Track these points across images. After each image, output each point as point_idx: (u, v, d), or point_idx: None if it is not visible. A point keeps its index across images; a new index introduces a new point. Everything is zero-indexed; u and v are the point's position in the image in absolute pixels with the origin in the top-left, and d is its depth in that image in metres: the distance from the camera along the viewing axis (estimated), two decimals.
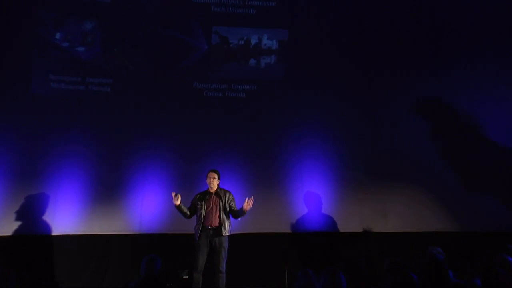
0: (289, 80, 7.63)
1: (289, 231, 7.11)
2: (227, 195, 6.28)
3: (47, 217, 6.72)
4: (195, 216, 6.25)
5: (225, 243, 6.10)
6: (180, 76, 7.48)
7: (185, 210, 6.17)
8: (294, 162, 7.37)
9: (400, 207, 7.30)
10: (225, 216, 6.15)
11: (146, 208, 6.99)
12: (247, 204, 6.12)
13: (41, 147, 6.92)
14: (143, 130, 7.23)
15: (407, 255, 6.34)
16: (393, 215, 7.27)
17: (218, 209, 6.15)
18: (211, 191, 6.23)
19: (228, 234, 6.13)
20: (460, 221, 7.26)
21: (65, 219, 6.74)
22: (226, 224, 6.13)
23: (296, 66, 7.66)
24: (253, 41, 7.67)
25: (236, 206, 6.30)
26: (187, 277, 6.32)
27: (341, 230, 7.12)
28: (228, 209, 6.22)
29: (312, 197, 7.23)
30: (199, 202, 6.17)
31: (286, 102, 7.55)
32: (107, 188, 6.96)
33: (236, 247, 6.45)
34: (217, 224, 6.11)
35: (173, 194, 6.08)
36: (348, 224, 7.17)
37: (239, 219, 6.38)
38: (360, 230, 7.13)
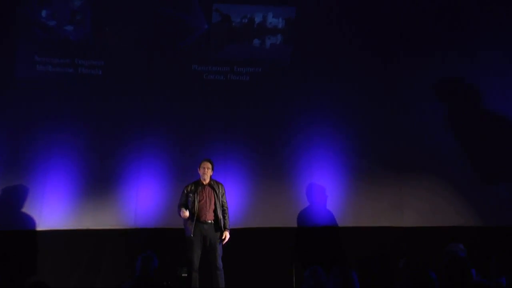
0: (297, 62, 7.58)
1: (296, 225, 7.05)
2: (220, 187, 6.24)
3: (34, 211, 6.67)
4: None
5: (220, 239, 6.08)
6: (178, 58, 7.43)
7: (187, 213, 6.03)
8: (302, 151, 7.32)
9: (417, 199, 7.24)
10: (219, 210, 6.10)
11: (142, 201, 6.94)
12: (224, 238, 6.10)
13: (26, 136, 6.87)
14: (137, 117, 7.19)
15: (425, 252, 6.29)
16: (410, 208, 7.21)
17: (212, 202, 6.10)
18: (204, 182, 6.17)
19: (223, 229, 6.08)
20: (482, 215, 7.17)
21: (54, 213, 6.70)
22: (221, 218, 6.08)
23: (304, 46, 7.60)
24: (257, 20, 7.60)
25: (226, 201, 6.25)
26: (186, 275, 6.29)
27: (353, 225, 7.06)
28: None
29: (322, 189, 7.17)
30: (190, 195, 6.10)
31: (293, 86, 7.49)
32: (99, 180, 6.93)
33: (239, 243, 6.42)
34: (211, 218, 6.06)
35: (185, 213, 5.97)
36: (361, 218, 7.10)
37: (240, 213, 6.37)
38: (373, 224, 7.05)
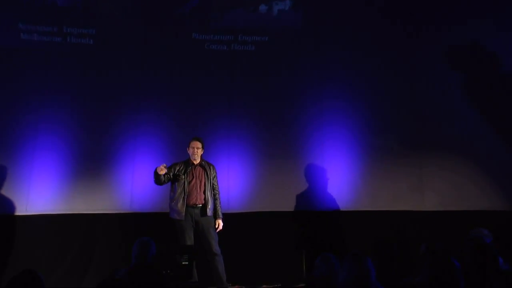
0: (307, 30, 7.55)
1: (307, 209, 7.06)
2: (212, 169, 6.28)
3: (20, 195, 6.68)
4: (171, 191, 6.22)
5: (213, 223, 6.13)
6: (177, 26, 7.42)
7: (163, 178, 6.08)
8: (313, 128, 7.32)
9: (439, 181, 7.24)
10: (209, 192, 6.13)
11: (138, 183, 6.95)
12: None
13: (11, 112, 6.89)
14: (132, 91, 7.19)
15: (448, 238, 6.30)
16: (431, 190, 7.21)
17: (203, 184, 6.14)
18: (194, 162, 6.20)
19: (211, 214, 6.11)
20: (511, 198, 7.15)
21: (42, 196, 6.72)
22: (211, 203, 6.10)
23: (315, 13, 7.58)
24: None
25: (218, 184, 6.29)
26: (187, 262, 6.33)
27: (369, 209, 7.06)
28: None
29: (335, 170, 7.17)
30: (181, 176, 6.13)
31: (303, 56, 7.48)
32: (91, 160, 6.94)
33: (244, 228, 6.47)
34: (202, 201, 6.10)
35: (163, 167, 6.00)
36: (377, 201, 7.11)
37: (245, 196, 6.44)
38: (391, 208, 7.05)
